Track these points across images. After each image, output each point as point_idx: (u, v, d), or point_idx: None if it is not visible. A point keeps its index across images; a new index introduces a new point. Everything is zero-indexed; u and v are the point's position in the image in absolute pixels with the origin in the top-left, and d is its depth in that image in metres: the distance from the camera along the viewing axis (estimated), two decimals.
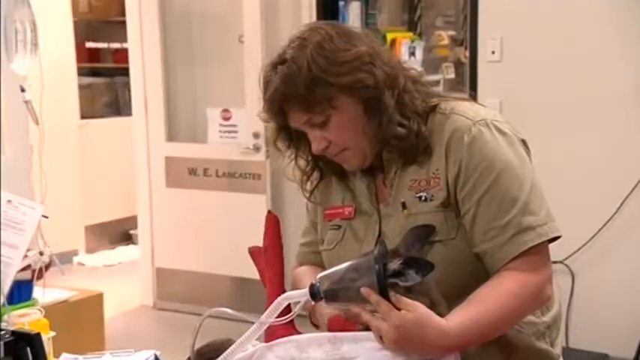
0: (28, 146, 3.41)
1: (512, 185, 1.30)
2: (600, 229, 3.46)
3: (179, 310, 4.62)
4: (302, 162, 1.45)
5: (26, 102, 3.07)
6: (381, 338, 1.19)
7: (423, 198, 1.34)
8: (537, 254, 1.29)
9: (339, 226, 1.44)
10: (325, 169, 1.46)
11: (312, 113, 1.32)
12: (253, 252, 1.46)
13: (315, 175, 1.47)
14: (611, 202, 3.45)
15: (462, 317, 1.22)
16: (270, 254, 1.44)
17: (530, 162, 1.36)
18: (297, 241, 1.59)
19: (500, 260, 1.29)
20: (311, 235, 1.54)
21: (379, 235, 1.38)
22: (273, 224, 1.45)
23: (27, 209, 1.59)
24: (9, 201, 1.56)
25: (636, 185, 3.42)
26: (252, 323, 1.24)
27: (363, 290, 1.18)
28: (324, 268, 1.48)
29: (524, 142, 1.38)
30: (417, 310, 1.18)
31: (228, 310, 1.26)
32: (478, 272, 1.31)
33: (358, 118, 1.33)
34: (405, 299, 1.18)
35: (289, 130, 1.40)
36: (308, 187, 1.49)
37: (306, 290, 1.23)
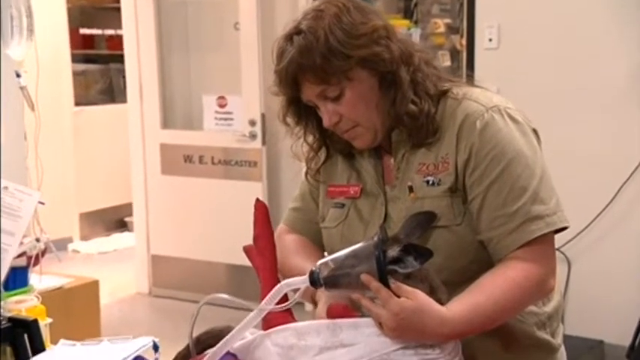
0: (22, 133, 3.38)
1: (522, 173, 1.29)
2: (596, 217, 3.47)
3: (175, 297, 4.62)
4: (310, 139, 1.44)
5: (22, 88, 3.04)
6: (381, 325, 1.19)
7: (431, 182, 1.32)
8: (543, 244, 1.29)
9: (343, 205, 1.42)
10: (332, 147, 1.44)
11: (327, 85, 1.31)
12: (248, 250, 1.45)
13: (322, 153, 1.46)
14: (608, 189, 3.46)
15: (463, 306, 1.21)
16: (260, 243, 1.42)
17: (541, 151, 1.35)
18: None
19: (505, 248, 1.29)
20: (305, 202, 1.52)
21: (385, 218, 1.37)
22: (262, 212, 1.43)
23: (23, 196, 1.58)
24: (5, 187, 1.55)
25: (633, 173, 3.42)
26: (251, 310, 1.23)
27: (364, 277, 1.17)
28: (314, 240, 1.47)
29: (535, 131, 1.37)
30: (416, 297, 1.17)
31: (227, 296, 1.25)
32: (481, 259, 1.31)
33: (372, 92, 1.32)
34: (405, 287, 1.18)
35: (298, 106, 1.39)
36: (313, 165, 1.47)
37: (305, 277, 1.22)
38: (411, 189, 1.34)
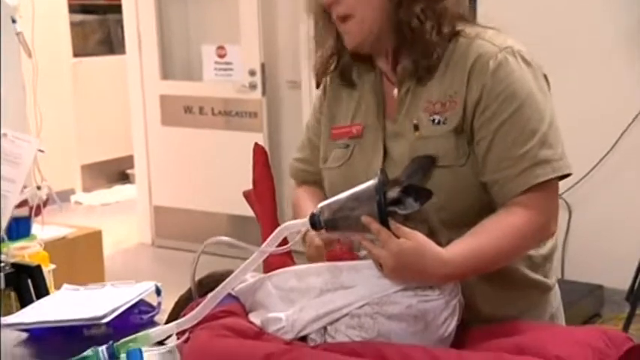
0: (21, 80, 3.36)
1: (532, 116, 1.27)
2: (597, 163, 3.47)
3: (177, 247, 4.66)
4: (327, 45, 1.42)
5: (18, 34, 3.01)
6: (381, 266, 1.20)
7: (437, 121, 1.31)
8: (547, 190, 1.28)
9: (347, 145, 1.41)
10: (341, 59, 1.42)
11: None
12: (248, 195, 1.45)
13: (332, 64, 1.43)
14: (609, 136, 3.45)
15: (462, 248, 1.22)
16: (259, 188, 1.42)
17: (551, 97, 1.34)
18: (293, 182, 1.56)
19: (510, 191, 1.28)
20: (307, 152, 1.52)
21: (385, 155, 1.36)
22: (261, 156, 1.43)
23: (22, 143, 1.58)
24: (4, 134, 1.55)
25: (634, 119, 3.41)
26: (252, 252, 1.24)
27: (364, 219, 1.17)
28: (321, 188, 1.47)
29: (545, 77, 1.36)
30: (416, 238, 1.18)
31: (228, 239, 1.26)
32: (482, 202, 1.30)
33: None
34: (404, 228, 1.18)
35: (323, 16, 1.38)
36: (321, 71, 1.44)
37: (306, 220, 1.22)
38: (416, 127, 1.33)
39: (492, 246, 1.24)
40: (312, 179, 1.50)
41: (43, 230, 2.80)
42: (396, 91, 1.37)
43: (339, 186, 1.30)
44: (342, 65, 1.42)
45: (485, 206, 1.30)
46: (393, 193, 1.18)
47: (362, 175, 1.29)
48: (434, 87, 1.33)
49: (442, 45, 1.32)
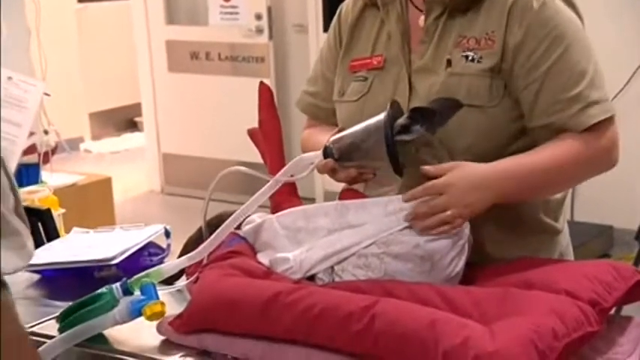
0: (25, 23, 3.32)
1: (582, 57, 1.25)
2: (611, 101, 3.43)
3: (186, 194, 4.67)
4: None
5: None
6: (452, 221, 1.19)
7: (470, 58, 1.27)
8: (601, 130, 1.25)
9: (366, 78, 1.37)
10: None
11: None
12: (253, 133, 1.44)
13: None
14: (622, 75, 3.41)
15: (512, 160, 1.23)
16: (266, 127, 1.41)
17: None
18: (301, 126, 1.54)
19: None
20: (318, 86, 1.48)
21: (410, 91, 1.32)
22: (267, 96, 1.42)
23: (28, 86, 1.56)
24: (9, 78, 1.53)
25: None
26: (267, 181, 1.25)
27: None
28: (330, 126, 1.45)
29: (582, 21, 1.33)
30: (452, 165, 1.20)
31: (243, 169, 1.28)
32: (509, 146, 1.28)
33: None
34: (438, 166, 1.19)
35: None
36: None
37: (319, 152, 1.23)
38: (449, 62, 1.28)
39: (544, 162, 1.23)
40: (323, 115, 1.47)
41: (52, 177, 2.81)
42: (422, 18, 1.32)
43: (355, 120, 1.28)
44: None
45: (512, 153, 1.27)
46: (402, 120, 1.19)
47: (381, 109, 1.25)
48: (466, 21, 1.29)
49: None
